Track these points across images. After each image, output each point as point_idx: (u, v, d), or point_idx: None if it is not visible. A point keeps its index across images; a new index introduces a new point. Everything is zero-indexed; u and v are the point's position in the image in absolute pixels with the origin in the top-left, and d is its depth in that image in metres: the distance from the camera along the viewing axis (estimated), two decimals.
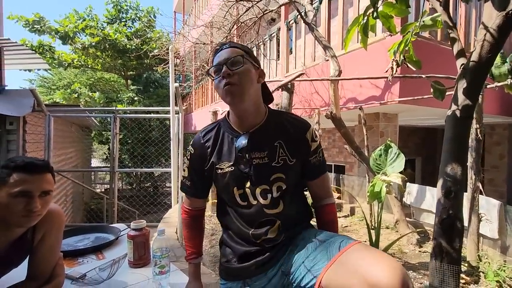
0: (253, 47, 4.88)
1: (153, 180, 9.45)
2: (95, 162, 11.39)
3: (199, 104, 8.33)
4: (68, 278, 1.04)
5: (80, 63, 10.01)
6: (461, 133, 1.20)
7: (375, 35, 2.85)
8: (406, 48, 1.37)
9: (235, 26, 4.56)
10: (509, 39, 2.63)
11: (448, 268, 1.15)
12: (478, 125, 2.16)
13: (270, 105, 0.99)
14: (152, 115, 7.41)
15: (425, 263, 2.39)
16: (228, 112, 0.94)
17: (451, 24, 1.27)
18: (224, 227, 0.99)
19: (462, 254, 1.38)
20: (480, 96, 2.12)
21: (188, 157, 0.96)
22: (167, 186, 9.17)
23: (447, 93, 1.39)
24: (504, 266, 2.13)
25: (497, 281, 2.01)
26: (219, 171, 0.90)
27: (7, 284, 0.88)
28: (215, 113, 4.07)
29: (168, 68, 3.53)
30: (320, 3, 3.45)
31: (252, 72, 0.85)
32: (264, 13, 3.95)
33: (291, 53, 4.18)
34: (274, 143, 0.89)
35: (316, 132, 0.96)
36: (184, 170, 0.99)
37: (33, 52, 3.46)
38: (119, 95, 10.13)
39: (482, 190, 2.32)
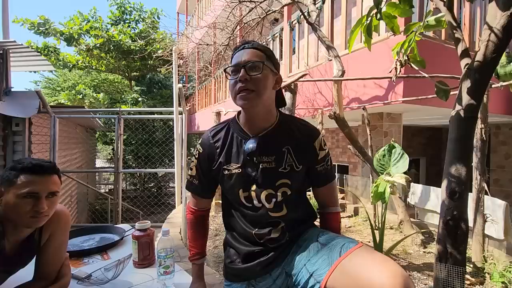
0: None
1: (157, 180, 9.51)
2: (99, 163, 11.47)
3: (202, 105, 8.35)
4: (74, 278, 1.05)
5: (84, 65, 10.09)
6: (466, 133, 1.19)
7: (379, 35, 2.84)
8: (411, 48, 1.36)
9: (238, 27, 4.56)
10: None
11: (453, 269, 1.14)
12: (483, 125, 2.14)
13: None
14: (155, 115, 7.45)
15: (429, 264, 2.37)
16: (239, 112, 0.94)
17: (455, 24, 1.26)
18: (228, 227, 0.99)
19: (467, 255, 1.37)
20: (485, 95, 2.10)
21: (196, 156, 0.96)
22: (171, 186, 9.21)
23: (451, 93, 1.39)
24: (510, 267, 2.11)
25: (503, 282, 1.99)
26: (226, 172, 0.90)
27: (14, 284, 0.89)
28: (218, 114, 4.08)
29: (172, 69, 3.55)
30: (323, 3, 3.44)
31: (270, 79, 0.85)
32: (267, 13, 3.95)
33: (294, 53, 4.17)
34: (282, 148, 0.89)
35: (325, 140, 0.96)
36: (191, 169, 0.98)
37: (39, 54, 3.49)
38: (123, 96, 10.20)
39: (487, 190, 2.30)
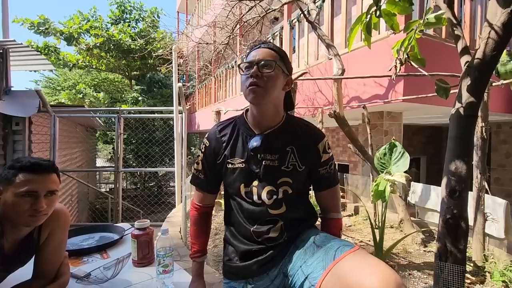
0: None
1: (157, 179, 9.52)
2: (100, 162, 11.47)
3: (202, 104, 8.35)
4: (73, 277, 1.05)
5: (84, 64, 10.09)
6: (466, 132, 1.19)
7: (379, 33, 2.83)
8: (411, 46, 1.36)
9: (238, 26, 4.56)
10: None
11: (453, 268, 1.14)
12: (483, 123, 2.13)
13: None
14: (156, 115, 7.44)
15: (430, 263, 2.37)
16: (247, 110, 0.96)
17: (455, 22, 1.25)
18: (228, 223, 0.99)
19: (467, 254, 1.37)
20: (486, 93, 2.10)
21: (202, 150, 0.98)
22: (171, 185, 9.22)
23: (452, 91, 1.38)
24: (510, 266, 2.11)
25: (503, 281, 1.99)
26: (230, 165, 0.92)
27: (13, 283, 0.89)
28: (218, 113, 4.08)
29: (172, 68, 3.55)
30: (323, 1, 3.43)
31: (280, 79, 0.88)
32: (267, 12, 3.94)
33: (294, 52, 4.17)
34: (286, 147, 0.90)
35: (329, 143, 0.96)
36: (197, 163, 1.00)
37: (39, 53, 3.49)
38: (123, 95, 10.20)
39: (488, 189, 2.30)
